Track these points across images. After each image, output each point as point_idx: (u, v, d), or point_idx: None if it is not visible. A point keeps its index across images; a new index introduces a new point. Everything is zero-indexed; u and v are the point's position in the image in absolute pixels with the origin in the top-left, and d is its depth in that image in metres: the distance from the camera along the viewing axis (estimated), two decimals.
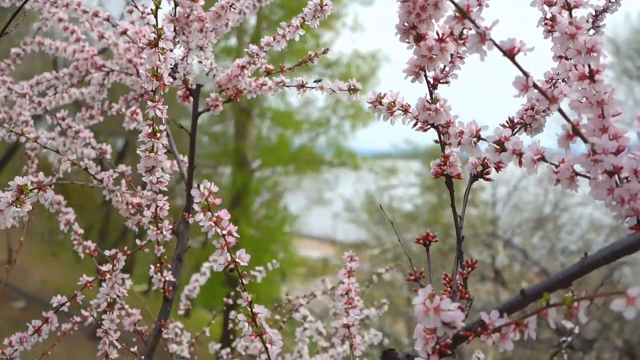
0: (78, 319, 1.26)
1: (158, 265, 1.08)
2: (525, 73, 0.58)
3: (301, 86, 1.08)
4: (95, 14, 1.19)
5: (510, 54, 0.58)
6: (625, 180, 0.60)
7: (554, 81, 0.79)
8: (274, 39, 1.04)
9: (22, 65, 1.50)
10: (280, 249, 11.64)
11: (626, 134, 0.61)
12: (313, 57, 1.14)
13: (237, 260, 0.72)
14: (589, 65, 0.61)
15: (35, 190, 0.73)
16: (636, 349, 5.77)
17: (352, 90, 0.96)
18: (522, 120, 0.78)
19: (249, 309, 0.74)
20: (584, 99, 0.62)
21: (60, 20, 1.28)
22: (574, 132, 0.58)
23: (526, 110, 0.78)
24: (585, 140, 0.58)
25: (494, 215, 7.71)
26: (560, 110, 0.58)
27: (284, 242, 11.69)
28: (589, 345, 5.82)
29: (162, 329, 1.12)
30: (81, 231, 1.21)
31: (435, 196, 10.67)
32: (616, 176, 0.60)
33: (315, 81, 1.06)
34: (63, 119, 1.25)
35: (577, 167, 0.63)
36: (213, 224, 0.71)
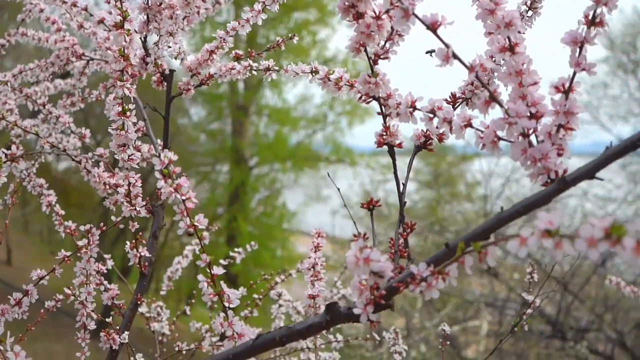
0: (60, 296, 1.31)
1: (134, 241, 1.14)
2: (446, 45, 0.63)
3: (267, 69, 1.13)
4: (74, 4, 1.24)
5: (432, 27, 0.63)
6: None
7: (493, 58, 0.85)
8: (239, 23, 1.10)
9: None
10: (279, 246, 11.70)
11: (543, 101, 0.67)
12: (281, 42, 1.20)
13: (196, 224, 0.78)
14: (509, 38, 0.67)
15: (9, 163, 0.79)
16: (627, 338, 5.84)
17: (314, 72, 1.01)
18: (463, 95, 0.84)
19: (208, 271, 0.79)
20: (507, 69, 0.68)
21: (41, 10, 1.34)
22: (491, 98, 0.64)
23: (467, 85, 0.84)
24: (501, 105, 0.64)
25: (486, 208, 7.78)
26: (478, 79, 0.64)
27: (282, 239, 11.75)
28: (580, 336, 5.88)
29: (139, 303, 1.18)
30: (62, 212, 1.26)
31: (432, 192, 10.75)
32: (534, 138, 0.66)
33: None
34: (44, 105, 1.30)
35: (500, 133, 0.69)
36: (173, 190, 0.76)
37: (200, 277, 0.79)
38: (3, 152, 0.77)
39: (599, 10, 0.64)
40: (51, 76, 1.42)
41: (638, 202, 8.66)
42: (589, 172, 0.59)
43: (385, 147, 0.86)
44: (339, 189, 1.22)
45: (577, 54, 0.65)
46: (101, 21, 1.18)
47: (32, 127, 1.34)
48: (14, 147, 0.83)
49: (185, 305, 1.64)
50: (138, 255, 1.13)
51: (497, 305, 6.59)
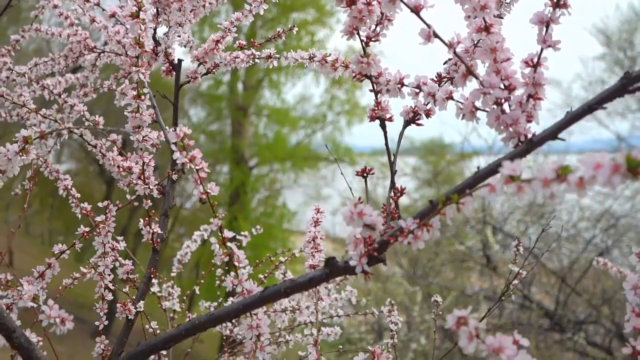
0: (77, 274, 1.40)
1: (147, 219, 1.22)
2: (428, 25, 0.72)
3: (269, 57, 1.22)
4: (86, 0, 1.33)
5: (416, 10, 0.72)
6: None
7: (475, 41, 0.94)
8: (242, 14, 1.19)
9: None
10: (279, 246, 11.78)
11: (515, 75, 0.76)
12: (281, 33, 1.29)
13: (209, 191, 0.86)
14: (484, 20, 0.76)
15: (38, 139, 0.87)
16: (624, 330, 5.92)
17: (311, 58, 1.10)
18: (448, 75, 0.93)
19: (220, 234, 0.88)
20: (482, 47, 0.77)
21: (55, 6, 1.43)
22: (468, 71, 0.73)
23: (451, 66, 0.92)
24: (476, 78, 0.73)
25: (484, 202, 7.87)
26: (455, 54, 0.73)
27: (282, 239, 11.82)
28: (578, 328, 5.96)
29: (152, 277, 1.26)
30: (78, 195, 1.34)
31: (431, 189, 10.85)
32: (507, 107, 0.75)
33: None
34: (59, 95, 1.39)
35: (478, 103, 0.77)
36: (188, 161, 0.85)
37: (212, 239, 0.88)
38: (33, 130, 0.86)
39: None
40: (64, 69, 1.50)
41: (636, 197, 8.74)
42: (553, 133, 0.68)
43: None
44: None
45: (543, 32, 0.73)
46: (112, 15, 1.27)
47: (49, 115, 1.43)
48: (43, 125, 0.91)
49: (195, 286, 1.73)
50: (151, 231, 1.22)
51: (496, 299, 6.68)
